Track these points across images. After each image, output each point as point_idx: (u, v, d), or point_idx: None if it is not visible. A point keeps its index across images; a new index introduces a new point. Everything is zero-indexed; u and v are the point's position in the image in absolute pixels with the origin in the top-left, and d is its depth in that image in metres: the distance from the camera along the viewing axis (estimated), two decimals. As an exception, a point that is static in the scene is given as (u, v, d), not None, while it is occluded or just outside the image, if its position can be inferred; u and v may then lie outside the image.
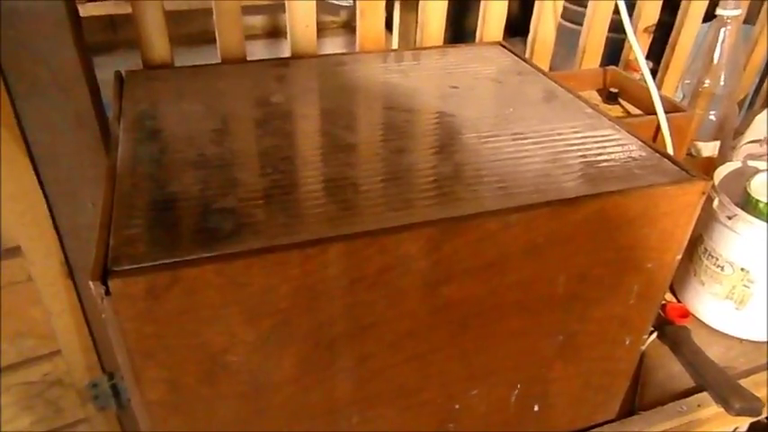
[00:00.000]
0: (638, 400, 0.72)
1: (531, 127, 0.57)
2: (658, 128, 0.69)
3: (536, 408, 0.61)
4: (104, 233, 0.41)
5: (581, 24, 0.93)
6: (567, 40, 1.00)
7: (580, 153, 0.54)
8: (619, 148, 0.54)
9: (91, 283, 0.37)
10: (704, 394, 0.72)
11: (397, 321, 0.48)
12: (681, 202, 0.50)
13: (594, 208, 0.48)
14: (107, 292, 0.37)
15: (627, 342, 0.60)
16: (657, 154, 0.53)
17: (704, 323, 0.82)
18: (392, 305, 0.46)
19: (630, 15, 0.80)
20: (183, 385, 0.43)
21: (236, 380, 0.45)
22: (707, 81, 0.91)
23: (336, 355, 0.47)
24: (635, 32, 0.77)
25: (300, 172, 0.50)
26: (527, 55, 0.89)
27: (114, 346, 0.40)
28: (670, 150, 0.68)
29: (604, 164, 0.52)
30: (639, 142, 0.55)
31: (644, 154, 0.54)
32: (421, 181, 0.49)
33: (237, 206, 0.45)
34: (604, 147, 0.55)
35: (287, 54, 0.76)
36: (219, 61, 0.73)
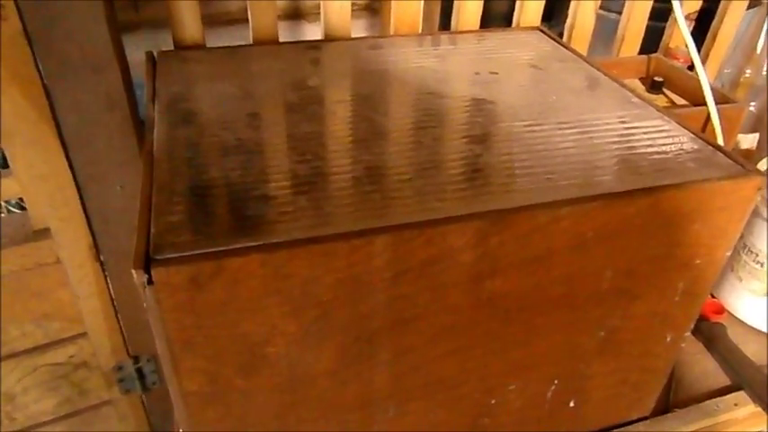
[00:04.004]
0: (672, 397, 0.71)
1: (576, 116, 0.55)
2: (707, 120, 0.66)
3: (572, 403, 0.60)
4: (145, 219, 0.40)
5: (612, 11, 0.90)
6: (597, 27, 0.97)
7: (629, 144, 0.52)
8: (669, 140, 0.52)
9: (133, 271, 0.36)
10: (741, 393, 0.71)
11: (438, 315, 0.46)
12: (736, 198, 0.49)
13: (648, 202, 0.46)
14: (150, 281, 0.36)
15: (668, 339, 0.58)
16: (710, 146, 0.51)
17: (740, 320, 0.80)
18: (435, 298, 0.45)
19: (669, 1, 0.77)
20: (222, 376, 0.43)
21: (274, 372, 0.44)
22: (748, 71, 0.89)
23: (376, 348, 0.46)
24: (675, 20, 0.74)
25: (341, 159, 0.48)
26: (564, 41, 0.87)
27: (154, 336, 0.39)
28: (721, 143, 0.66)
29: (655, 156, 0.50)
30: (690, 134, 0.53)
31: (696, 146, 0.52)
32: (465, 170, 0.48)
33: (279, 193, 0.43)
34: (654, 138, 0.53)
35: (308, 36, 0.74)
36: (250, 42, 0.71)
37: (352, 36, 0.74)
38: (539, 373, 0.55)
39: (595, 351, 0.56)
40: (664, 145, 0.52)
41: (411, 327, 0.46)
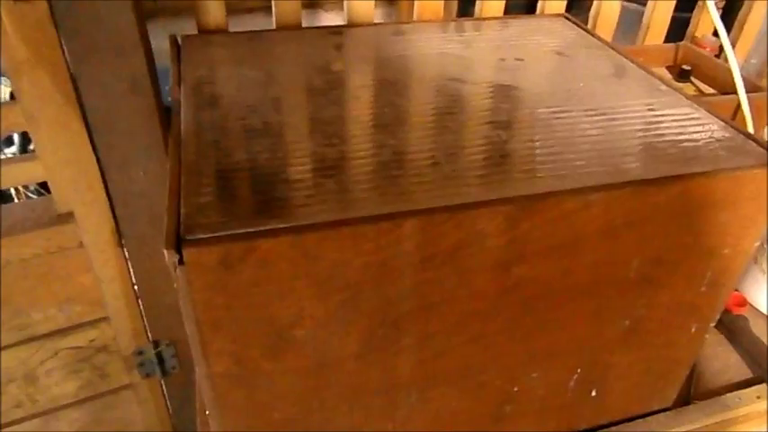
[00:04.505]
0: (693, 389, 0.70)
1: (604, 103, 0.55)
2: (736, 109, 0.65)
3: (594, 392, 0.60)
4: (175, 201, 0.40)
5: (634, 2, 0.89)
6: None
7: (659, 132, 0.51)
8: (700, 128, 0.52)
9: (165, 251, 0.36)
10: (763, 385, 0.70)
11: (464, 301, 0.46)
12: (767, 187, 0.48)
13: (678, 190, 0.45)
14: (180, 261, 0.36)
15: (693, 329, 0.58)
16: (742, 135, 0.51)
17: (762, 313, 0.79)
18: (461, 284, 0.45)
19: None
20: (249, 358, 0.43)
21: (300, 354, 0.44)
22: (774, 61, 0.87)
23: (401, 333, 0.46)
24: (702, 9, 0.73)
25: (365, 143, 0.48)
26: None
27: (183, 317, 0.39)
28: (751, 132, 0.65)
29: (685, 144, 0.49)
30: (721, 122, 0.52)
31: (727, 135, 0.51)
32: (491, 156, 0.47)
33: (305, 177, 0.43)
34: (684, 126, 0.52)
35: (324, 24, 0.74)
36: (274, 27, 0.71)
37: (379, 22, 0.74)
38: (562, 362, 0.55)
39: (619, 340, 0.55)
40: (694, 133, 0.51)
41: (436, 312, 0.46)
